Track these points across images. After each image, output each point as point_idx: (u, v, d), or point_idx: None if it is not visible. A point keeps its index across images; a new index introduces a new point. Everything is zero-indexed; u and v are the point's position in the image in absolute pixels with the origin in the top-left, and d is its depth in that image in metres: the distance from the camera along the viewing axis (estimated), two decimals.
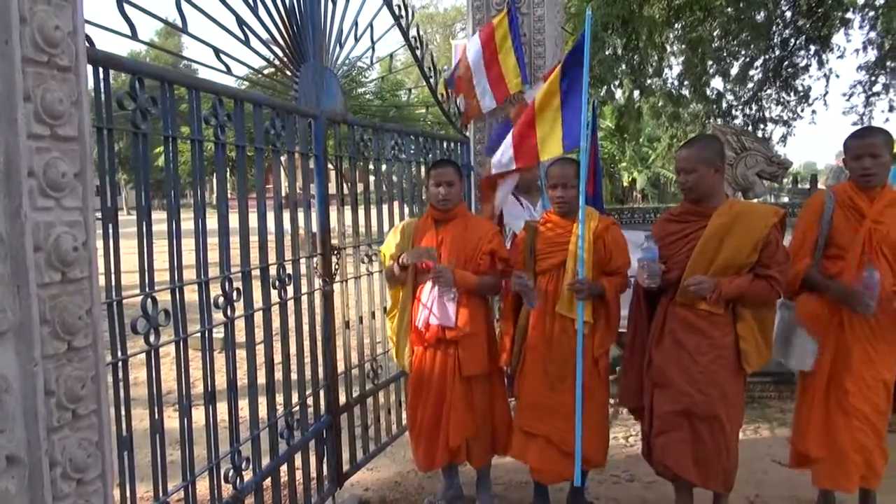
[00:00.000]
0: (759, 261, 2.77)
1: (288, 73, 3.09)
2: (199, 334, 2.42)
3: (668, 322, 2.92)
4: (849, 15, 12.14)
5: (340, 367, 3.54)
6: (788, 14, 12.42)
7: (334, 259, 3.38)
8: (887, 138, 2.94)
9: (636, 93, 12.51)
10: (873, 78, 12.49)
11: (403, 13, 4.05)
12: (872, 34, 12.03)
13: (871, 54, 12.29)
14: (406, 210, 4.17)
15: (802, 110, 13.45)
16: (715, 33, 12.25)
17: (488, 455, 3.43)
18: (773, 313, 2.96)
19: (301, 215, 3.16)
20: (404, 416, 4.17)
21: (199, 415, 2.44)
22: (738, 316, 2.84)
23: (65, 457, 1.26)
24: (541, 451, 3.15)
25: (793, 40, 12.64)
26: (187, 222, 2.33)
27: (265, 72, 3.43)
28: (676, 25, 11.92)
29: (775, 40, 12.52)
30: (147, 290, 2.09)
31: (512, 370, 3.28)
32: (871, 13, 11.82)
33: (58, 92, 1.25)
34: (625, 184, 32.94)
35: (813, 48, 12.66)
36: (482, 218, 3.57)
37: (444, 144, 4.65)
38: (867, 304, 2.79)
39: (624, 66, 11.46)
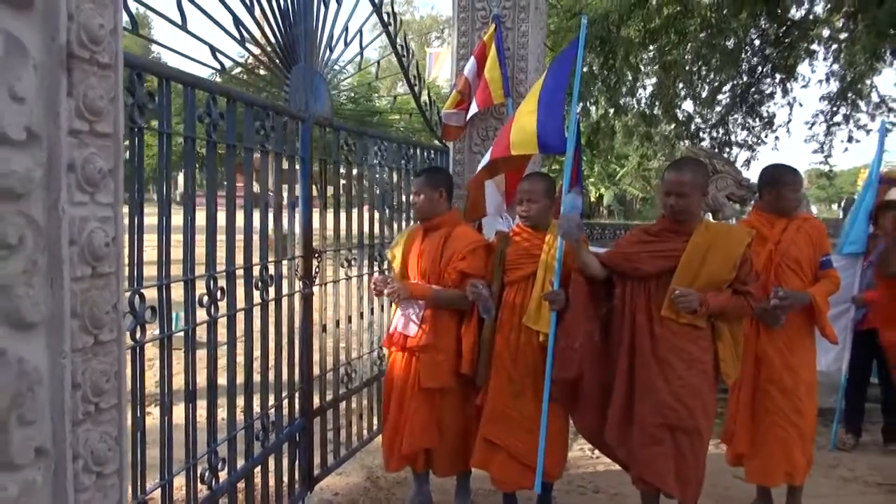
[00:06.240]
0: (736, 278, 2.90)
1: (279, 73, 3.09)
2: (181, 333, 2.40)
3: (650, 340, 2.93)
4: (814, 47, 12.55)
5: (316, 370, 3.54)
6: (757, 42, 12.78)
7: (315, 262, 3.38)
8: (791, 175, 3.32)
9: (610, 111, 12.72)
10: (834, 108, 12.89)
11: (391, 21, 4.09)
12: (835, 66, 12.45)
13: (834, 85, 12.71)
14: (377, 215, 4.17)
15: (766, 136, 13.82)
16: (688, 57, 12.53)
17: (456, 467, 3.41)
18: (742, 328, 3.10)
19: (285, 217, 3.16)
20: (376, 421, 4.17)
21: (174, 414, 2.41)
22: (718, 334, 2.95)
23: (87, 450, 1.26)
24: (502, 463, 3.19)
25: (760, 68, 13.00)
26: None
27: (255, 72, 3.42)
28: (651, 47, 12.16)
29: (743, 67, 12.86)
30: (135, 285, 2.07)
31: (479, 382, 3.26)
32: (835, 46, 12.24)
33: (98, 89, 1.27)
34: (592, 199, 33.39)
35: (778, 76, 13.03)
36: (469, 231, 3.46)
37: (424, 153, 4.68)
38: (776, 318, 3.22)
39: (600, 84, 11.65)
